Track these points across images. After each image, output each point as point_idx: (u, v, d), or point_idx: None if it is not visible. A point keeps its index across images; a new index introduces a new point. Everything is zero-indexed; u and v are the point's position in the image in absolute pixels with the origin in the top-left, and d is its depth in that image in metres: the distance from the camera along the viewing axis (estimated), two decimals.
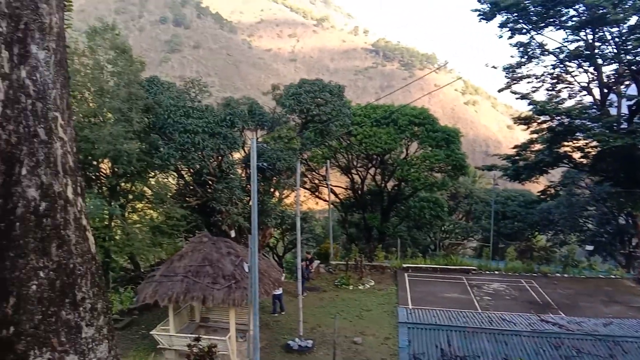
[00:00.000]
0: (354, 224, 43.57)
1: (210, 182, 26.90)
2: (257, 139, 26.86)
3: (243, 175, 27.72)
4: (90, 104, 23.43)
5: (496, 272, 31.36)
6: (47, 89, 3.43)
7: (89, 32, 24.17)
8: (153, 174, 27.25)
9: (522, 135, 63.14)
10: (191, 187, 28.02)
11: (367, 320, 23.08)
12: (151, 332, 19.73)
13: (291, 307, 23.86)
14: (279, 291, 22.96)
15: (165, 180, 28.67)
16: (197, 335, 16.21)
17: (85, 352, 3.35)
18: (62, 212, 3.39)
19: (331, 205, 39.62)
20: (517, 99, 41.37)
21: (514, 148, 41.51)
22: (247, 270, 17.45)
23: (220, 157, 26.07)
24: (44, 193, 3.32)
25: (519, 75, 38.30)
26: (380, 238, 40.47)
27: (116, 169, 24.32)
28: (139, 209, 27.65)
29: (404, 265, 31.57)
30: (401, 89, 41.36)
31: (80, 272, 3.41)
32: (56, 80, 3.50)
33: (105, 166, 25.20)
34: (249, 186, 26.14)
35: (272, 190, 28.38)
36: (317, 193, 42.94)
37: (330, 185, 37.26)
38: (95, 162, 24.08)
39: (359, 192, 41.26)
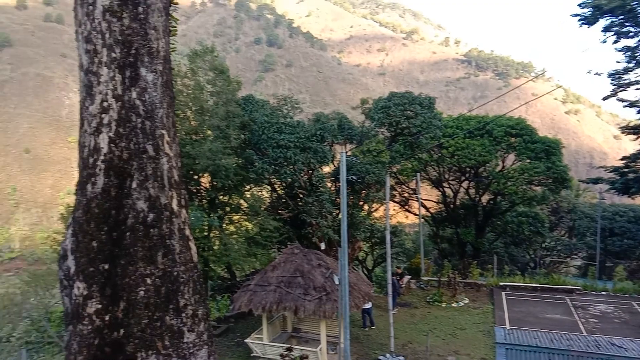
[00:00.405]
0: (446, 239, 42.27)
1: (301, 195, 27.46)
2: (347, 152, 27.04)
3: (332, 188, 28.00)
4: (192, 122, 24.90)
5: (603, 293, 28.86)
6: (155, 109, 3.70)
7: (190, 55, 25.80)
8: (248, 187, 28.34)
9: (630, 145, 58.17)
10: (283, 200, 28.76)
11: (461, 340, 22.18)
12: (246, 340, 20.37)
13: (381, 322, 23.54)
14: (368, 305, 22.76)
15: (260, 193, 29.68)
16: (289, 346, 16.48)
17: (186, 356, 3.53)
18: (167, 223, 3.62)
19: (422, 219, 38.77)
20: (624, 107, 38.17)
21: (622, 160, 38.19)
22: (337, 282, 17.51)
23: (310, 171, 26.56)
24: (152, 205, 3.58)
25: (626, 81, 35.30)
26: (474, 254, 38.87)
27: (215, 183, 25.57)
28: (236, 221, 28.84)
29: (501, 284, 30.03)
30: (496, 99, 39.69)
31: (183, 280, 3.62)
32: (163, 100, 3.77)
33: (205, 180, 26.59)
34: (338, 199, 26.35)
35: (361, 203, 28.36)
36: (406, 207, 42.23)
37: (421, 198, 36.51)
38: (196, 177, 25.48)
39: (452, 206, 40.01)
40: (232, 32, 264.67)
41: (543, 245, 45.89)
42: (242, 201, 28.62)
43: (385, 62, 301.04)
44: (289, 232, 29.03)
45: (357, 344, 21.48)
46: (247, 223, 29.04)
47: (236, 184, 26.28)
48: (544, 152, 33.80)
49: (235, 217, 29.12)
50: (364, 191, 27.13)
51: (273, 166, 24.89)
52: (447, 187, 39.70)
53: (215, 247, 25.60)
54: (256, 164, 25.58)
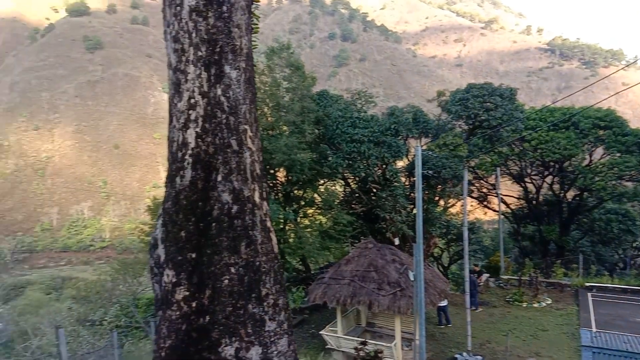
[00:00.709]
0: (527, 237, 40.44)
1: (374, 190, 27.33)
2: (422, 146, 26.56)
3: (407, 183, 27.62)
4: (269, 118, 25.50)
5: None
6: (239, 105, 3.83)
7: (267, 52, 26.40)
8: (322, 181, 28.62)
9: None
10: (357, 195, 28.77)
11: (543, 341, 21.17)
12: (320, 332, 20.63)
13: (457, 320, 22.97)
14: (444, 303, 22.29)
15: (333, 187, 29.88)
16: (363, 340, 16.51)
17: (267, 344, 3.63)
18: (250, 214, 3.74)
19: (501, 216, 37.30)
20: None
21: None
22: (412, 278, 17.28)
23: (384, 166, 26.35)
24: (236, 197, 3.71)
25: None
26: (558, 253, 36.89)
27: (290, 177, 26.06)
28: (310, 215, 29.25)
29: (587, 284, 28.29)
30: (583, 89, 37.32)
31: (265, 270, 3.73)
32: (246, 96, 3.89)
33: (281, 174, 27.16)
34: (412, 194, 25.95)
35: (437, 198, 27.77)
36: (485, 202, 40.79)
37: (501, 194, 35.12)
38: (272, 171, 26.09)
39: (534, 202, 38.17)
40: (306, 28, 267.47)
41: (634, 245, 42.69)
42: (316, 195, 28.96)
43: (463, 53, 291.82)
44: (362, 227, 29.01)
45: (433, 341, 21.11)
46: (321, 217, 29.37)
47: (310, 179, 26.62)
48: (635, 145, 31.42)
49: (310, 211, 29.54)
50: (439, 186, 26.53)
51: (347, 160, 24.94)
52: (529, 183, 37.92)
53: (291, 240, 26.11)
54: (330, 158, 25.75)
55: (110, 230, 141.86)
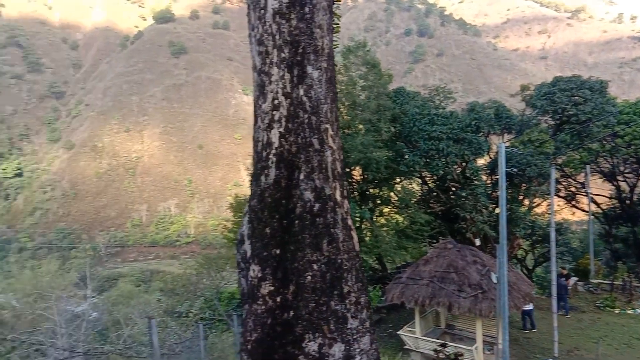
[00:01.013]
0: (620, 239, 37.61)
1: (453, 189, 26.64)
2: (505, 143, 25.53)
3: (488, 181, 26.66)
4: (345, 117, 25.61)
5: None
6: (320, 104, 3.88)
7: (343, 51, 26.49)
8: (399, 180, 28.30)
9: None
10: (435, 194, 28.19)
11: (638, 350, 19.66)
12: (398, 332, 20.45)
13: (543, 325, 21.87)
14: (529, 306, 21.30)
15: (410, 186, 29.46)
16: (443, 342, 16.17)
17: (350, 341, 3.66)
18: (331, 212, 3.79)
19: (591, 217, 35.00)
20: None
21: None
22: (495, 281, 16.67)
23: (464, 163, 25.61)
24: (318, 195, 3.77)
25: None
26: None
27: (366, 176, 26.00)
28: (386, 213, 29.02)
29: None
30: None
31: (346, 267, 3.76)
32: (327, 95, 3.94)
33: (356, 173, 27.18)
34: (494, 193, 25.02)
35: (521, 197, 26.58)
36: (573, 202, 38.43)
37: (591, 193, 32.96)
38: (348, 170, 26.18)
39: (627, 201, 35.44)
40: (382, 25, 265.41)
41: None
42: (392, 194, 28.69)
43: (547, 44, 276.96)
44: (441, 227, 28.36)
45: (516, 346, 20.26)
46: (397, 216, 29.06)
47: (386, 177, 26.41)
48: None
49: (386, 210, 29.30)
50: (524, 185, 25.39)
51: (424, 159, 24.49)
52: (622, 181, 35.26)
53: (367, 239, 26.07)
54: (407, 156, 25.41)
55: (195, 227, 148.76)
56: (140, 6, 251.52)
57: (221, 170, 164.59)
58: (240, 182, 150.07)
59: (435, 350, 14.95)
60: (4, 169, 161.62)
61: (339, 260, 3.74)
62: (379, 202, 28.70)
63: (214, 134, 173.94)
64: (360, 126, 25.41)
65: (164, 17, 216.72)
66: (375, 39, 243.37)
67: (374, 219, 27.86)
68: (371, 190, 28.23)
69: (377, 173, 24.43)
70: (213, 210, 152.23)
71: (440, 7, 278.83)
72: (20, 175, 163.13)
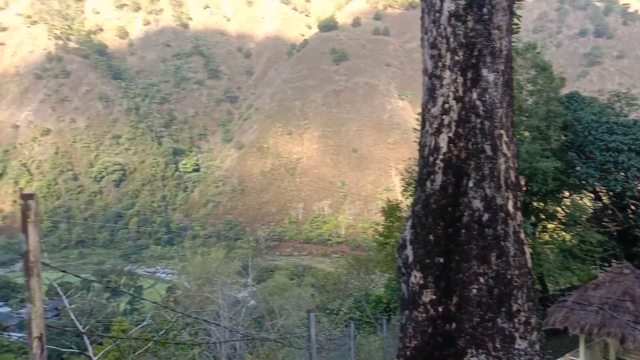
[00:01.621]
0: None
1: (633, 207, 23.56)
2: None
3: None
4: None
5: None
6: (495, 109, 3.68)
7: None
8: (567, 193, 25.87)
9: None
10: (610, 211, 25.17)
11: None
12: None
13: None
14: None
15: (581, 201, 26.75)
16: None
17: None
18: (502, 224, 3.57)
19: None
20: None
21: None
22: None
23: None
24: (487, 205, 3.58)
25: None
26: None
27: (530, 187, 24.19)
28: (550, 229, 26.70)
29: None
30: None
31: (516, 284, 3.50)
32: (503, 99, 3.72)
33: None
34: None
35: None
36: None
37: None
38: None
39: None
40: (553, 25, 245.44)
41: None
42: (558, 208, 26.30)
43: None
44: (615, 249, 25.20)
45: None
46: (563, 233, 26.56)
47: (553, 190, 24.25)
48: None
49: (550, 226, 26.93)
50: None
51: (599, 171, 22.06)
52: None
53: None
54: (578, 168, 23.09)
55: (345, 227, 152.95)
56: (306, 15, 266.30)
57: (373, 174, 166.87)
58: (391, 186, 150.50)
59: None
60: (185, 164, 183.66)
61: (509, 276, 3.51)
62: (542, 216, 26.50)
63: (368, 138, 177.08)
64: (526, 133, 23.73)
65: (328, 25, 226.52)
66: (544, 40, 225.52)
67: (537, 235, 25.79)
68: (535, 204, 26.17)
69: (543, 185, 22.56)
70: (363, 213, 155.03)
71: (622, 4, 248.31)
72: (197, 170, 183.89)
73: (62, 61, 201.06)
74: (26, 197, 3.00)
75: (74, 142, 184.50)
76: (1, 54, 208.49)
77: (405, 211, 25.33)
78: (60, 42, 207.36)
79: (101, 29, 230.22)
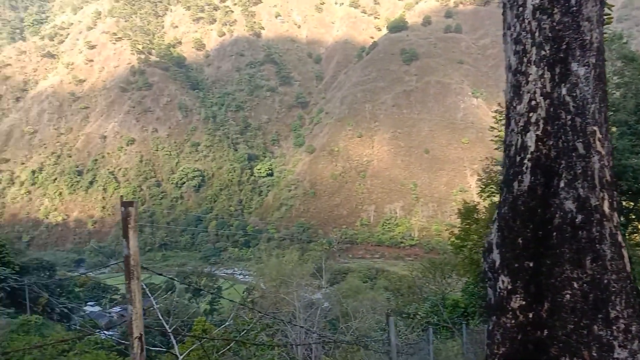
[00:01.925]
0: None
1: None
2: None
3: None
4: None
5: None
6: (586, 104, 3.49)
7: None
8: None
9: None
10: None
11: None
12: None
13: None
14: None
15: None
16: None
17: None
18: (597, 226, 3.37)
19: None
20: None
21: None
22: None
23: None
24: (581, 206, 3.39)
25: None
26: None
27: (619, 185, 22.68)
28: None
29: None
30: None
31: (614, 290, 3.30)
32: (595, 94, 3.53)
33: None
34: None
35: None
36: None
37: None
38: None
39: None
40: (639, 13, 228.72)
41: None
42: None
43: None
44: None
45: None
46: None
47: None
48: None
49: None
50: None
51: None
52: None
53: None
54: None
55: (419, 230, 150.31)
56: (375, 17, 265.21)
57: (446, 175, 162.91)
58: (466, 187, 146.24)
59: None
60: (259, 169, 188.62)
61: (606, 281, 3.31)
62: (633, 216, 24.69)
63: (440, 138, 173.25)
64: (614, 128, 22.23)
65: (397, 26, 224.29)
66: (630, 29, 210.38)
67: (627, 236, 24.07)
68: (624, 203, 24.48)
69: (634, 183, 21.01)
70: (437, 215, 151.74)
71: None
72: (271, 175, 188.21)
73: (144, 74, 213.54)
74: (126, 205, 3.18)
75: (156, 150, 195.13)
76: (90, 70, 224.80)
77: (483, 213, 24.54)
78: (143, 56, 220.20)
79: (180, 42, 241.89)
